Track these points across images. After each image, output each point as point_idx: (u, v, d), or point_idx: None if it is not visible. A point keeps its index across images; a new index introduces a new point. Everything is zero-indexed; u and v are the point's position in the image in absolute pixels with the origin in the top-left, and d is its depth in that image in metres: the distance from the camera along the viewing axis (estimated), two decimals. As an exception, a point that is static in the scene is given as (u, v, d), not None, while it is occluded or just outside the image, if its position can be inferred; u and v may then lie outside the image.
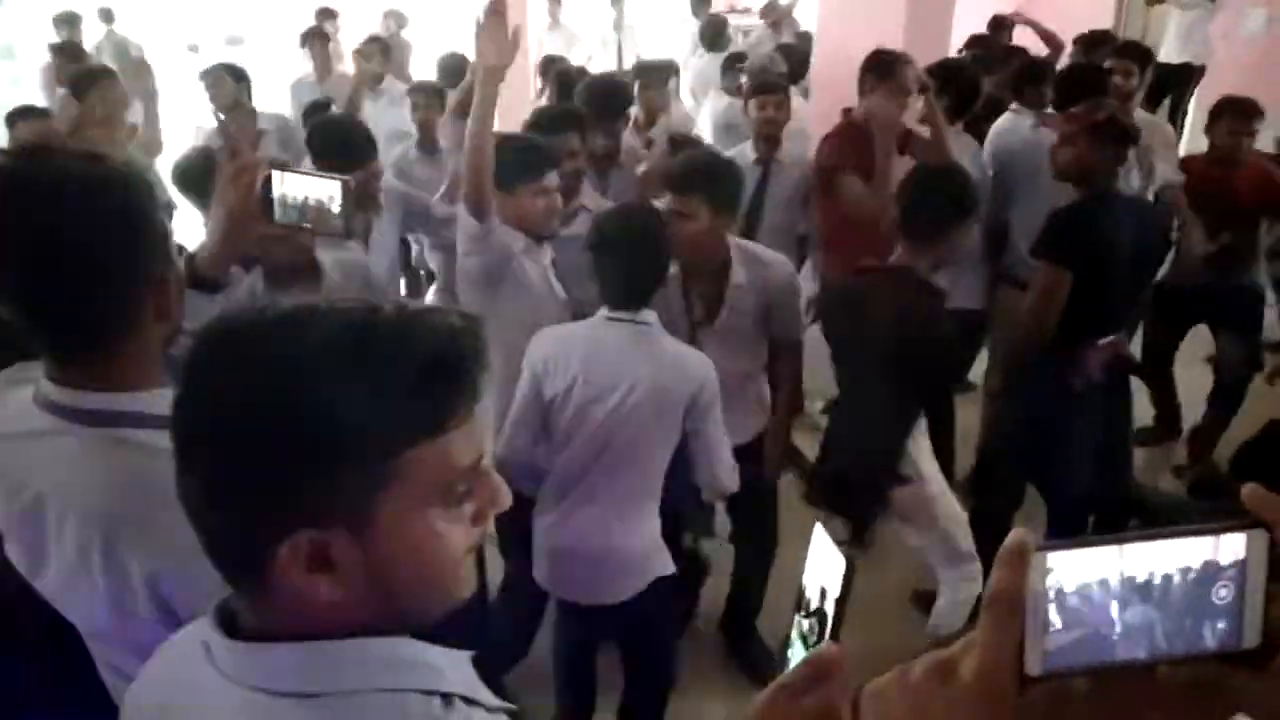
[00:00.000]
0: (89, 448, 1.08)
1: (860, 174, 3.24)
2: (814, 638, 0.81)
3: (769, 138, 3.58)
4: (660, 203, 2.51)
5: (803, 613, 0.80)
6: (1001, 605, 0.54)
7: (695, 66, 6.58)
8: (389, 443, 0.71)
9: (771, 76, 4.02)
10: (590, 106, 3.29)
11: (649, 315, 2.14)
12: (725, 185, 2.49)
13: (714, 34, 6.56)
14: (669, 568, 2.23)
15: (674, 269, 2.33)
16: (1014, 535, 0.55)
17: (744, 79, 4.50)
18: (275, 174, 1.39)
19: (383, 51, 5.28)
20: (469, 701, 0.77)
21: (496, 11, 2.17)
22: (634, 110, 4.07)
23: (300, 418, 0.69)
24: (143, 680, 0.86)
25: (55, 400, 1.10)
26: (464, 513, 0.77)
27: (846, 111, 3.48)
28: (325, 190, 1.40)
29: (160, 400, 1.05)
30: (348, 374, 0.70)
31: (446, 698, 0.75)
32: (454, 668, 0.79)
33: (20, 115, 3.69)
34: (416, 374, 0.71)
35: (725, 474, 2.22)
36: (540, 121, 2.92)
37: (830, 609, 0.72)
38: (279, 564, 0.70)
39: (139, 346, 1.11)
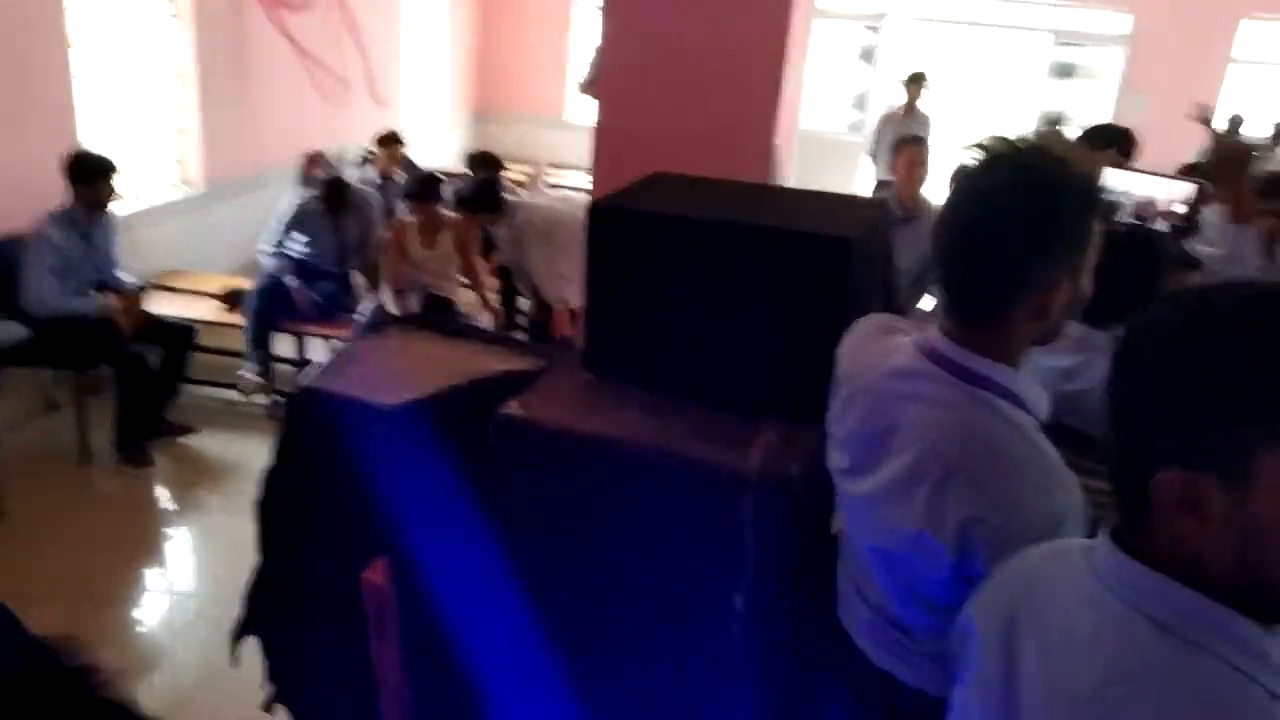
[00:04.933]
0: (955, 398, 1.24)
1: None
2: None
3: None
4: None
5: None
6: None
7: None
8: (1268, 412, 0.71)
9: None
10: None
11: None
12: None
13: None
14: None
15: None
16: None
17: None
18: None
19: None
20: None
21: None
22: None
23: (1178, 373, 0.75)
24: (1023, 560, 0.98)
25: (941, 351, 1.27)
26: None
27: None
28: None
29: (1020, 381, 1.24)
30: (1238, 340, 0.73)
31: None
32: None
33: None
34: None
35: None
36: None
37: None
38: (1154, 492, 0.76)
39: (1016, 332, 1.24)
